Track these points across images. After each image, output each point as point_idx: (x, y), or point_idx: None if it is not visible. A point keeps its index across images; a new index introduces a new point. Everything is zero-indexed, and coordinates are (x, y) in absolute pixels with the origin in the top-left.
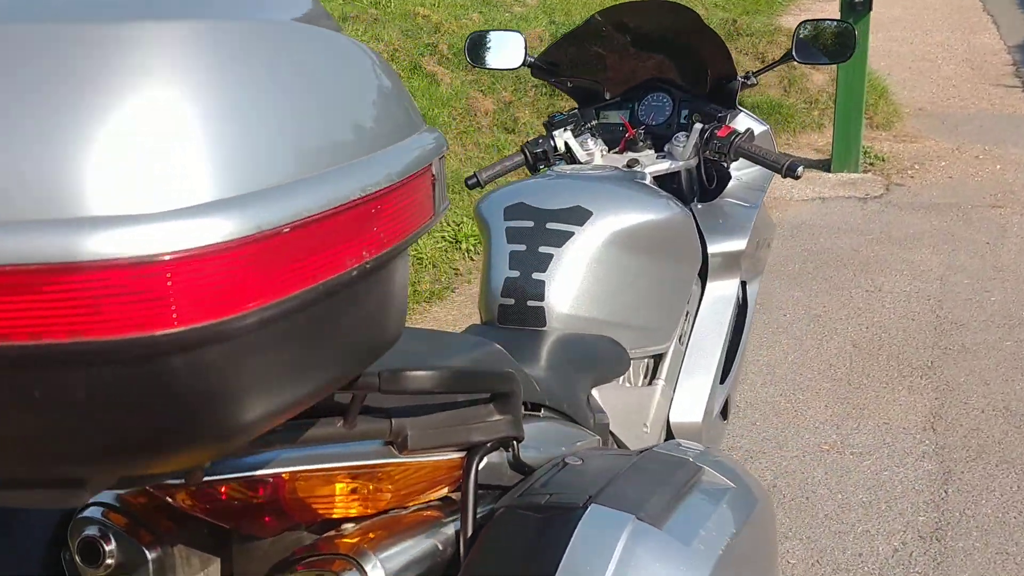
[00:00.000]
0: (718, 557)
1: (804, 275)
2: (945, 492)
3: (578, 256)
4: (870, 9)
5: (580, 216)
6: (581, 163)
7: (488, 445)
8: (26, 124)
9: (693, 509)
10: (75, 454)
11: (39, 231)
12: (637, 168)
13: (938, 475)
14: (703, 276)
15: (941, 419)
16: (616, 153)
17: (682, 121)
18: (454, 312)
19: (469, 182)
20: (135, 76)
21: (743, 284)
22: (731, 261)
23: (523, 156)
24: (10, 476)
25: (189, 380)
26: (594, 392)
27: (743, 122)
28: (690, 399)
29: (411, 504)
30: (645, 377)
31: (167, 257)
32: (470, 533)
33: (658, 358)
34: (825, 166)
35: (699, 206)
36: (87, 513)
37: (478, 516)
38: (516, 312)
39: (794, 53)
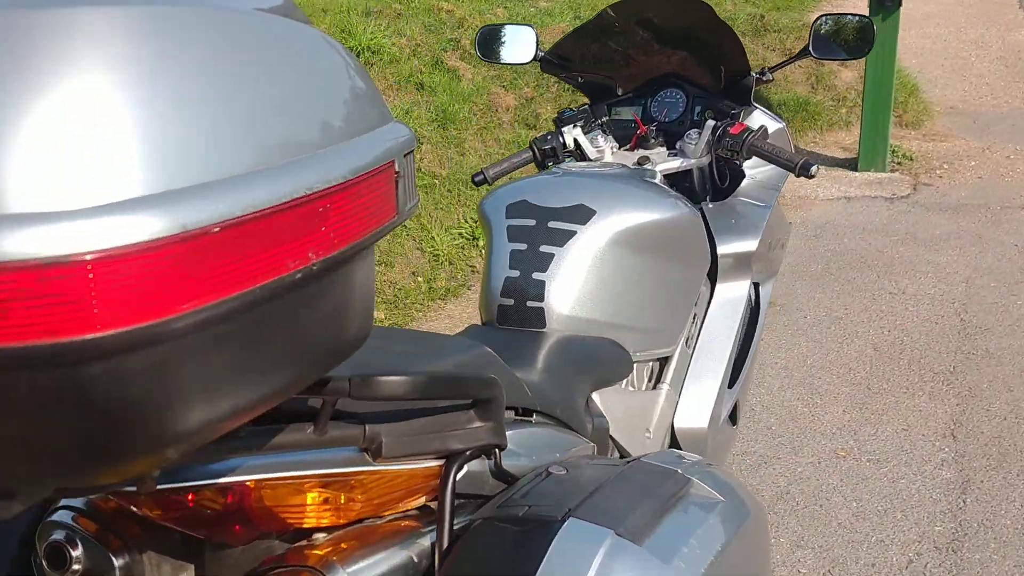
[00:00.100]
0: (700, 575)
1: (827, 276)
2: (963, 502)
3: (580, 256)
4: (899, 5)
5: (583, 215)
6: (591, 160)
7: (468, 453)
8: None
9: (677, 524)
10: None
11: None
12: (647, 166)
13: (956, 484)
14: (712, 277)
15: (962, 426)
16: (627, 150)
17: (695, 118)
18: (469, 309)
19: (476, 179)
20: (58, 65)
21: (756, 286)
22: (742, 262)
23: (531, 152)
24: None
25: (114, 388)
26: (595, 396)
27: (758, 119)
28: (695, 404)
29: (387, 513)
30: (649, 381)
31: (88, 257)
32: (446, 544)
33: (663, 361)
34: (852, 165)
35: (710, 205)
36: (56, 517)
37: (456, 527)
38: (515, 313)
39: (811, 49)
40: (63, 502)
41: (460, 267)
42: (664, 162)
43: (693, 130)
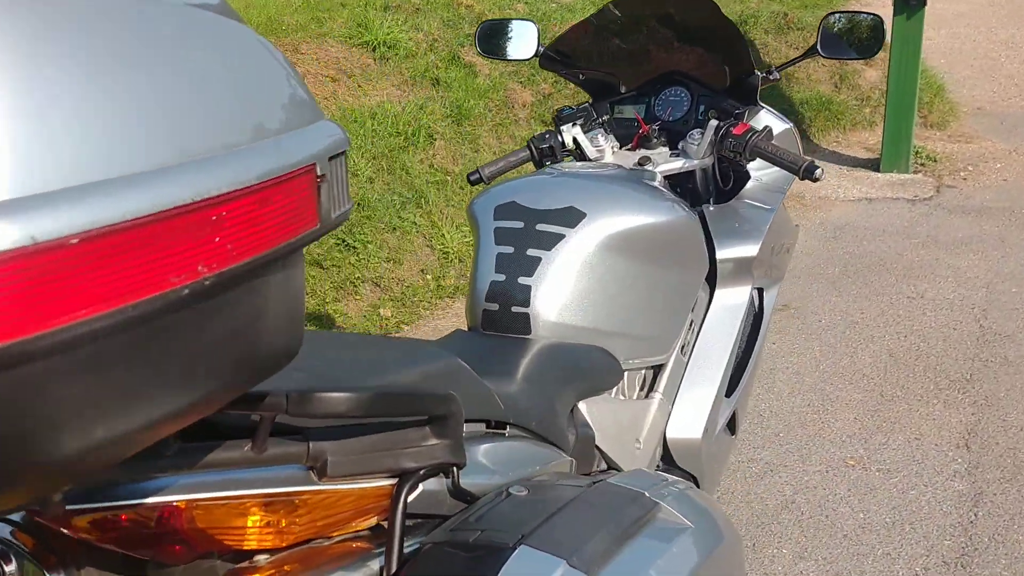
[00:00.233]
0: None
1: (844, 279)
2: (975, 515)
3: (568, 260)
4: (924, 4)
5: (572, 218)
6: (590, 160)
7: (422, 472)
8: None
9: (638, 552)
10: None
11: None
12: (648, 166)
13: (968, 496)
14: (712, 282)
15: (976, 436)
16: (628, 150)
17: (699, 117)
18: None
19: (472, 177)
20: None
21: (759, 291)
22: (742, 267)
23: (529, 151)
24: None
25: None
26: (581, 405)
27: (764, 119)
28: (689, 414)
29: (337, 534)
30: (641, 390)
31: None
32: (394, 569)
33: (657, 369)
34: (874, 165)
35: (711, 208)
36: None
37: (408, 549)
38: (500, 318)
39: (819, 47)
40: (2, 517)
41: (470, 265)
42: (665, 163)
43: (696, 130)
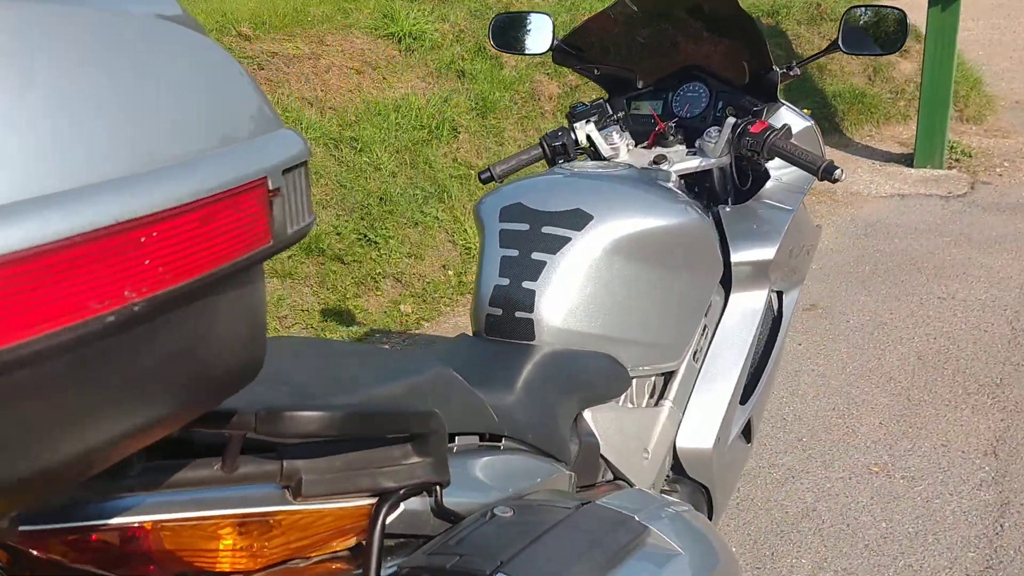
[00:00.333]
0: None
1: (874, 278)
2: (1000, 526)
3: (574, 264)
4: None
5: (579, 220)
6: (605, 158)
7: (402, 492)
8: None
9: None
10: None
11: None
12: (664, 165)
13: (995, 506)
14: (727, 286)
15: (1005, 443)
16: (644, 148)
17: (718, 114)
18: None
19: (483, 176)
20: None
21: (779, 294)
22: (758, 271)
23: (541, 149)
24: None
25: None
26: (586, 414)
27: (784, 117)
28: (700, 422)
29: (315, 554)
30: (651, 397)
31: None
32: None
33: (668, 376)
34: (907, 160)
35: (727, 208)
36: None
37: (387, 572)
38: (503, 324)
39: (840, 42)
40: None
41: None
42: (681, 161)
43: (713, 128)
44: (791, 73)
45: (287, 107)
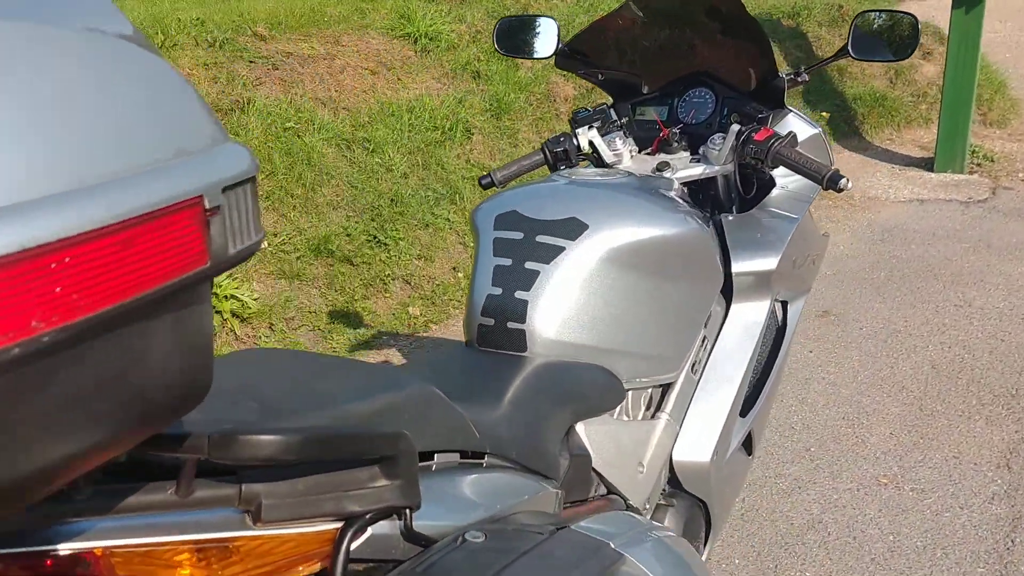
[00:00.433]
0: None
1: (889, 285)
2: (1012, 541)
3: (568, 274)
4: None
5: (573, 229)
6: (607, 164)
7: (368, 516)
8: None
9: None
10: None
11: None
12: (667, 172)
13: (1007, 520)
14: (729, 296)
15: (1018, 456)
16: (648, 154)
17: (723, 121)
18: None
19: (483, 181)
20: None
21: (784, 304)
22: (760, 281)
23: (543, 155)
24: None
25: None
26: (578, 427)
27: (791, 124)
28: (698, 435)
29: None
30: (647, 409)
31: None
32: None
33: (665, 388)
34: (928, 165)
35: (730, 217)
36: None
37: None
38: (495, 334)
39: (850, 48)
40: None
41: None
42: (684, 169)
43: (717, 135)
44: (799, 79)
45: (300, 107)
